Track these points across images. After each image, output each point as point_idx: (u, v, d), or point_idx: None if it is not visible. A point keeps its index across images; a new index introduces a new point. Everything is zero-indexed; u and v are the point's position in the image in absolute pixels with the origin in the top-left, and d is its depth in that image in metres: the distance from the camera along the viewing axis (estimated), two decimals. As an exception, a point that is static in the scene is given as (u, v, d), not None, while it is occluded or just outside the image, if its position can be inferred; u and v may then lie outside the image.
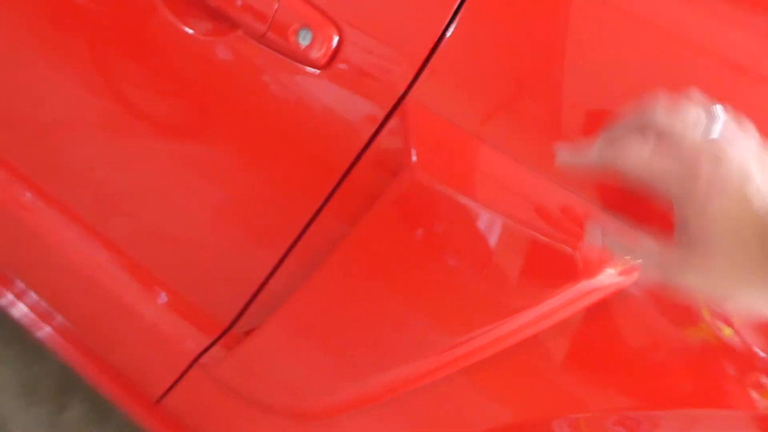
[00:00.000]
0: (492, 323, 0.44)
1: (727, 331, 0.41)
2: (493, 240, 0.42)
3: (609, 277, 0.41)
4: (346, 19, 0.45)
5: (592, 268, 0.40)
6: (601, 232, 0.40)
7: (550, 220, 0.41)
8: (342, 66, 0.46)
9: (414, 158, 0.42)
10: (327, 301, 0.51)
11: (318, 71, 0.46)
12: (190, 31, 0.50)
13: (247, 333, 0.57)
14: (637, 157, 0.35)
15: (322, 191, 0.49)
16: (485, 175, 0.43)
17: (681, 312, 0.42)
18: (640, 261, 0.36)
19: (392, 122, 0.45)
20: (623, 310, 0.43)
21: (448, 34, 0.43)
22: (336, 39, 0.45)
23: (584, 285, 0.41)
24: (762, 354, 0.40)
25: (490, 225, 0.42)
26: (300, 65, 0.46)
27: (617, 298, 0.42)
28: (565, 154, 0.39)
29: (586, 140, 0.38)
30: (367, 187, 0.47)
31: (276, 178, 0.52)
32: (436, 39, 0.43)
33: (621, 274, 0.41)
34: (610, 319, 0.43)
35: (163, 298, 0.62)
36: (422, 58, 0.43)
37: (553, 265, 0.41)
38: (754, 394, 0.42)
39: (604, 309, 0.43)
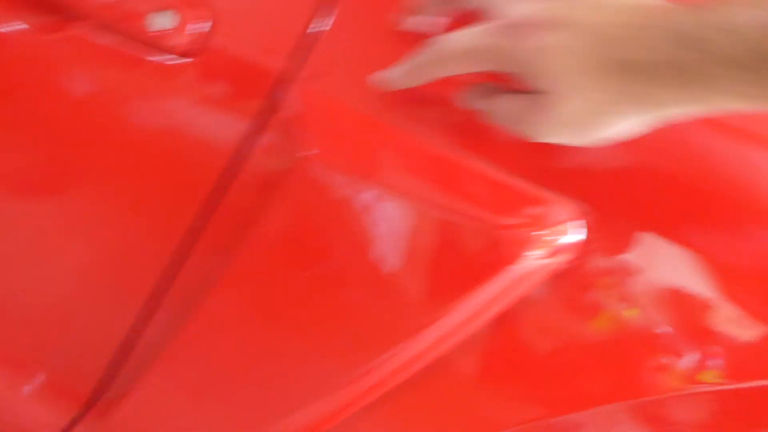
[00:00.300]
0: (414, 334, 0.40)
1: (628, 313, 0.40)
2: (413, 235, 0.38)
3: (534, 261, 0.37)
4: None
5: (515, 252, 0.37)
6: (471, 92, 0.36)
7: (479, 202, 0.37)
8: (215, 55, 0.40)
9: (312, 151, 0.37)
10: (208, 346, 0.45)
11: (186, 60, 0.40)
12: (18, 27, 0.42)
13: (121, 397, 0.50)
14: (460, 41, 0.32)
15: (193, 216, 0.43)
16: (397, 161, 0.38)
17: (582, 304, 0.40)
18: (502, 122, 0.34)
19: (277, 120, 0.40)
20: (525, 313, 0.41)
21: (331, 20, 0.39)
22: (208, 23, 0.39)
23: (510, 272, 0.37)
24: (663, 329, 0.40)
25: (411, 217, 0.37)
26: (162, 58, 0.40)
27: (518, 302, 0.40)
28: (391, 76, 0.36)
29: (407, 55, 0.35)
30: (250, 204, 0.41)
31: (140, 209, 0.45)
32: (315, 25, 0.39)
33: (547, 256, 0.38)
34: (515, 325, 0.41)
35: (18, 379, 0.52)
36: (305, 43, 0.39)
37: (475, 251, 0.37)
38: (662, 376, 0.41)
39: (507, 315, 0.41)
